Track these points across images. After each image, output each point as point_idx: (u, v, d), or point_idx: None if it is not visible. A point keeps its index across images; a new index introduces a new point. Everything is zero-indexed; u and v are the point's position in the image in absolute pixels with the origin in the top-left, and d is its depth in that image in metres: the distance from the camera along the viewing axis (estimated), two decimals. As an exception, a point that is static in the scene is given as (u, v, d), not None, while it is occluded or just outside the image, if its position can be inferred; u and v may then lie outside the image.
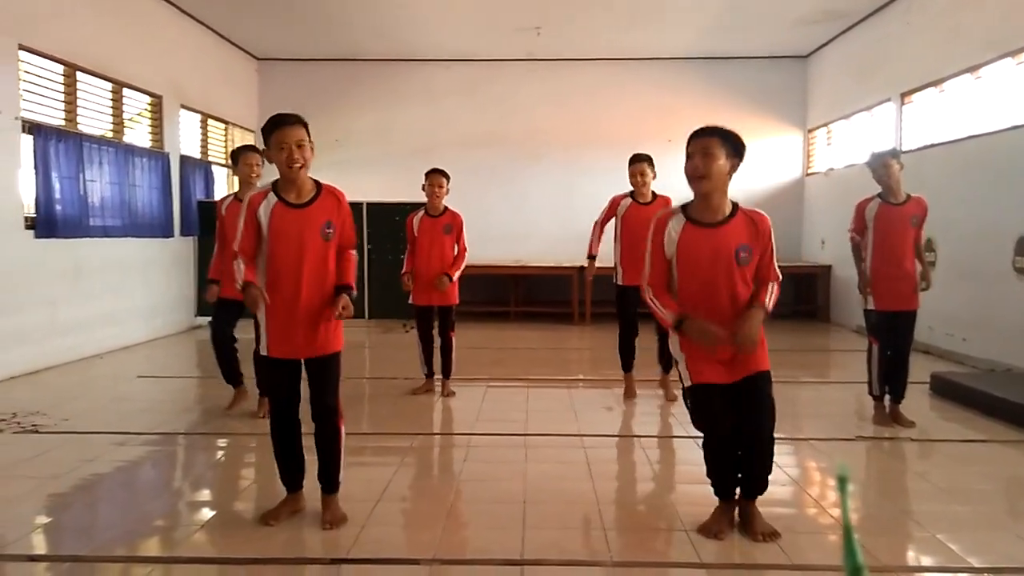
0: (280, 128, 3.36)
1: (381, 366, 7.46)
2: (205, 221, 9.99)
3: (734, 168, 3.31)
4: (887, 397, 5.42)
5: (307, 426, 3.57)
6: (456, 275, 6.13)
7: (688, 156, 3.31)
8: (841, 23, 10.69)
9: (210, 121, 11.40)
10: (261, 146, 3.63)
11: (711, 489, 3.48)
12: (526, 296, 12.43)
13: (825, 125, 11.95)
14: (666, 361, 6.08)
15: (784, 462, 4.55)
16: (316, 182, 3.49)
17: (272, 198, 3.41)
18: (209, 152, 11.38)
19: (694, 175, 3.29)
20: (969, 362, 7.64)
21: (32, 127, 7.23)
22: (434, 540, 3.37)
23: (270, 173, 3.77)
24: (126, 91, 9.06)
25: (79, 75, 8.10)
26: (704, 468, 3.49)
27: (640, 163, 5.98)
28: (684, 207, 3.39)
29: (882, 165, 5.21)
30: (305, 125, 3.43)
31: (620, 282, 6.02)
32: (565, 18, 10.53)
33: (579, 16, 10.43)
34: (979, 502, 3.93)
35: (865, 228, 5.31)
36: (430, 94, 12.74)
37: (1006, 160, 7.25)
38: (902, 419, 5.34)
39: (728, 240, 3.28)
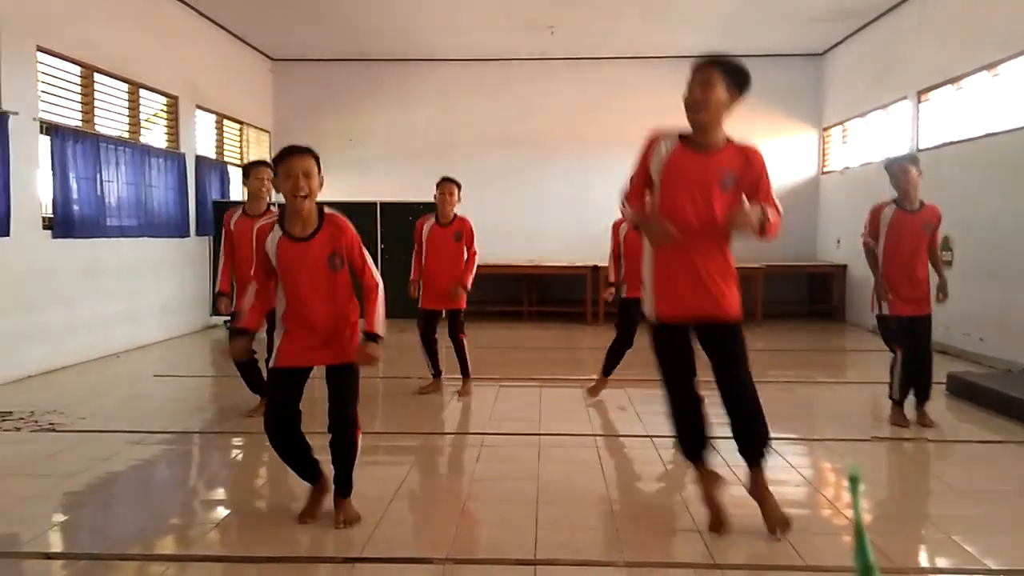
0: (290, 157, 3.34)
1: (395, 365, 7.48)
2: (220, 221, 10.01)
3: (733, 101, 3.32)
4: (912, 399, 5.37)
5: (319, 429, 3.58)
6: (469, 282, 6.18)
7: (688, 87, 3.33)
8: (856, 21, 10.61)
9: (225, 121, 11.47)
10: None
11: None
12: (540, 296, 12.41)
13: (841, 123, 11.86)
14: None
15: (799, 463, 4.54)
16: (321, 211, 3.43)
17: (277, 231, 3.40)
18: (225, 152, 11.45)
19: (690, 106, 3.30)
20: (986, 362, 7.57)
21: (50, 128, 7.29)
22: (447, 539, 3.37)
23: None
24: (142, 92, 9.14)
25: (96, 76, 8.17)
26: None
27: None
28: (680, 133, 3.40)
29: (901, 170, 5.16)
30: (316, 157, 3.40)
31: (624, 295, 6.06)
32: (579, 17, 10.52)
33: (593, 15, 10.41)
34: (996, 503, 3.90)
35: (879, 233, 5.28)
36: (444, 94, 12.75)
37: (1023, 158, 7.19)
38: (927, 419, 5.30)
39: (716, 165, 3.31)
